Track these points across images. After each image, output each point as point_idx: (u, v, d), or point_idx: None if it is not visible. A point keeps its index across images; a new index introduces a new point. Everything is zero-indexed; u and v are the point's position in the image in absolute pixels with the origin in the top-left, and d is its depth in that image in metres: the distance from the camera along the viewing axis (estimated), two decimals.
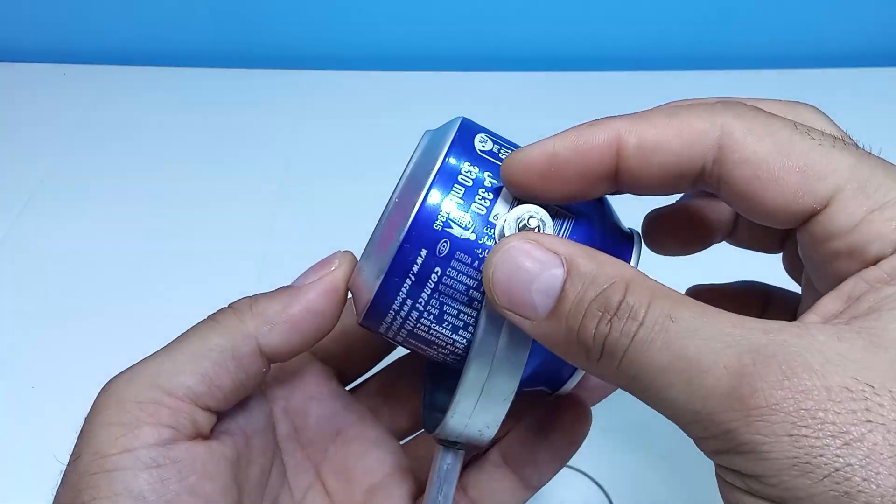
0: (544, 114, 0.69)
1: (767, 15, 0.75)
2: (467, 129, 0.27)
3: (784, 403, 0.18)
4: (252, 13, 0.75)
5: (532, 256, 0.22)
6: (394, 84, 0.73)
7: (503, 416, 0.26)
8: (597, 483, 0.41)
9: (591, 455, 0.43)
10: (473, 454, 0.32)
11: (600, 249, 0.26)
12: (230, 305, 0.27)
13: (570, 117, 0.73)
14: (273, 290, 0.28)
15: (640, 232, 0.29)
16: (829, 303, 0.21)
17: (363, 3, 0.74)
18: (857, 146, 0.23)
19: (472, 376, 0.25)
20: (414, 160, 0.26)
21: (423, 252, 0.25)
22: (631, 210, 0.30)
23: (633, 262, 0.27)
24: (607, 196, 0.28)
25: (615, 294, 0.21)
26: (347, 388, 0.33)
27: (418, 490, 0.32)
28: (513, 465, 0.31)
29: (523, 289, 0.22)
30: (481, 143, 0.26)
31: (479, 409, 0.26)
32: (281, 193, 0.61)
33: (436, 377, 0.31)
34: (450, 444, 0.28)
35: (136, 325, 0.50)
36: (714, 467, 0.20)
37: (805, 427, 0.18)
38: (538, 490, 0.32)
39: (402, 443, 0.33)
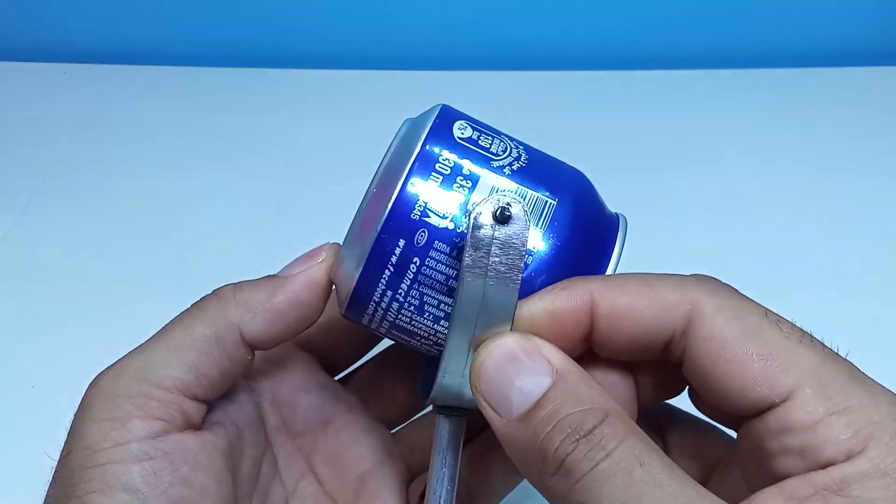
0: (544, 114, 0.70)
1: (767, 15, 0.75)
2: (446, 117, 0.26)
3: None
4: (252, 13, 0.75)
5: (526, 357, 0.23)
6: (394, 84, 0.73)
7: None
8: None
9: None
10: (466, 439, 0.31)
11: (583, 234, 0.26)
12: (214, 292, 0.27)
13: (570, 117, 0.73)
14: (258, 278, 0.28)
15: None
16: (769, 499, 0.21)
17: (363, 3, 0.74)
18: (824, 345, 0.23)
19: (459, 331, 0.25)
20: (392, 149, 0.26)
21: (401, 242, 0.25)
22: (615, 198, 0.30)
23: (616, 248, 0.27)
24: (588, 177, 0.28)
25: (592, 418, 0.21)
26: (335, 378, 0.33)
27: (410, 475, 0.32)
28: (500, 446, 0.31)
29: (506, 383, 0.23)
30: (460, 131, 0.26)
31: (468, 366, 0.25)
32: (281, 193, 0.61)
33: (429, 358, 0.30)
34: (449, 411, 0.28)
35: (137, 325, 0.50)
36: None
37: None
38: None
39: (392, 431, 0.33)
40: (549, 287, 0.24)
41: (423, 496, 0.29)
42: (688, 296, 0.23)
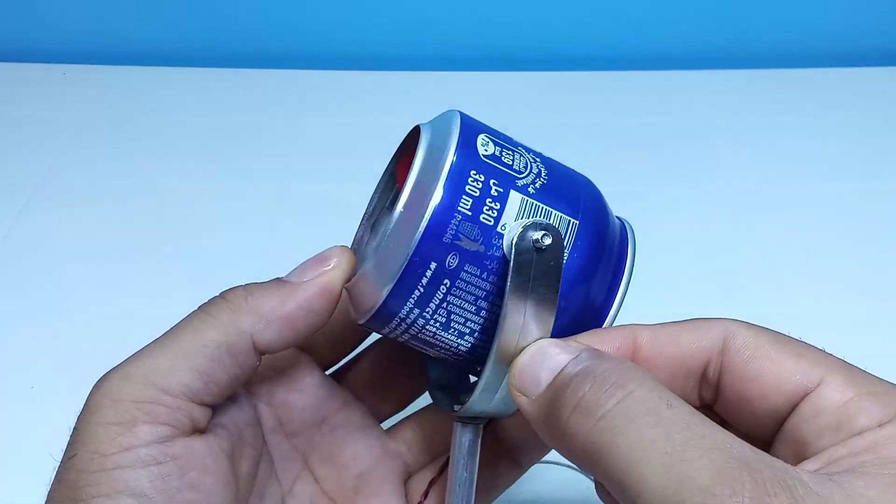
0: (544, 114, 0.70)
1: (767, 15, 0.75)
2: (469, 131, 0.26)
3: None
4: (252, 13, 0.75)
5: (557, 347, 0.24)
6: (394, 84, 0.73)
7: None
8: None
9: None
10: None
11: (601, 249, 0.27)
12: (223, 296, 0.27)
13: (570, 117, 0.73)
14: (268, 281, 0.27)
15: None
16: (808, 465, 0.22)
17: (363, 3, 0.74)
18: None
19: (500, 352, 0.25)
20: (417, 165, 0.26)
21: (433, 265, 0.25)
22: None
23: (629, 253, 0.28)
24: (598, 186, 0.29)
25: (613, 374, 0.22)
26: (328, 372, 0.33)
27: (406, 472, 0.32)
28: (503, 444, 0.31)
29: (536, 368, 0.24)
30: (484, 147, 0.26)
31: (504, 387, 0.26)
32: (281, 193, 0.61)
33: (437, 364, 0.31)
34: (470, 420, 0.28)
35: (137, 325, 0.50)
36: None
37: None
38: (526, 470, 0.32)
39: (386, 426, 0.33)
40: (595, 330, 0.27)
41: (426, 494, 0.30)
42: (721, 323, 0.26)
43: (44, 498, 0.25)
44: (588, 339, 0.26)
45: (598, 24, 0.76)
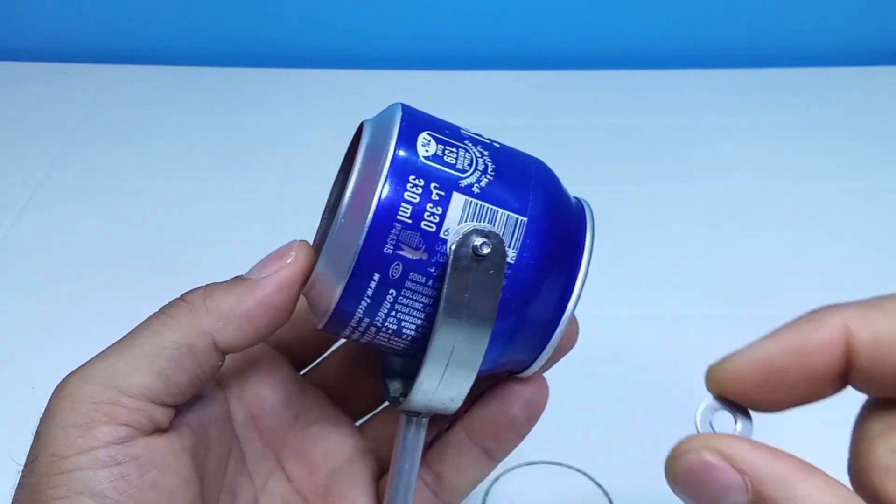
0: (544, 113, 0.70)
1: (768, 15, 0.75)
2: (410, 130, 0.25)
3: None
4: (252, 13, 0.75)
5: (714, 475, 0.20)
6: (394, 84, 0.73)
7: (467, 391, 0.26)
8: (597, 483, 0.41)
9: (591, 455, 0.43)
10: (436, 432, 0.32)
11: (554, 243, 0.26)
12: (182, 298, 0.27)
13: (570, 117, 0.74)
14: (227, 280, 0.27)
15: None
16: None
17: (363, 3, 0.74)
18: None
19: (435, 359, 0.25)
20: (357, 169, 0.25)
21: (376, 276, 0.24)
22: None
23: (587, 235, 0.27)
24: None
25: None
26: (301, 373, 0.33)
27: (380, 470, 0.32)
28: (475, 439, 0.31)
29: (703, 492, 0.21)
30: (425, 148, 0.25)
31: (443, 385, 0.26)
32: (280, 194, 0.61)
33: (392, 360, 0.31)
34: (414, 415, 0.28)
35: (136, 325, 0.50)
36: None
37: None
38: (499, 462, 0.32)
39: (359, 423, 0.33)
40: (794, 320, 0.22)
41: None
42: None
43: None
44: (787, 359, 0.21)
45: (598, 24, 0.76)
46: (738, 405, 0.22)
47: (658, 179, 0.62)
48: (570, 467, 0.42)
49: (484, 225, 0.24)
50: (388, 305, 0.25)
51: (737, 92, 0.72)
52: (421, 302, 0.25)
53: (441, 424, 0.32)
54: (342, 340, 0.34)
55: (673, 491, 0.21)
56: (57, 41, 0.76)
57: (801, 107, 0.70)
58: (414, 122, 0.26)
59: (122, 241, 0.56)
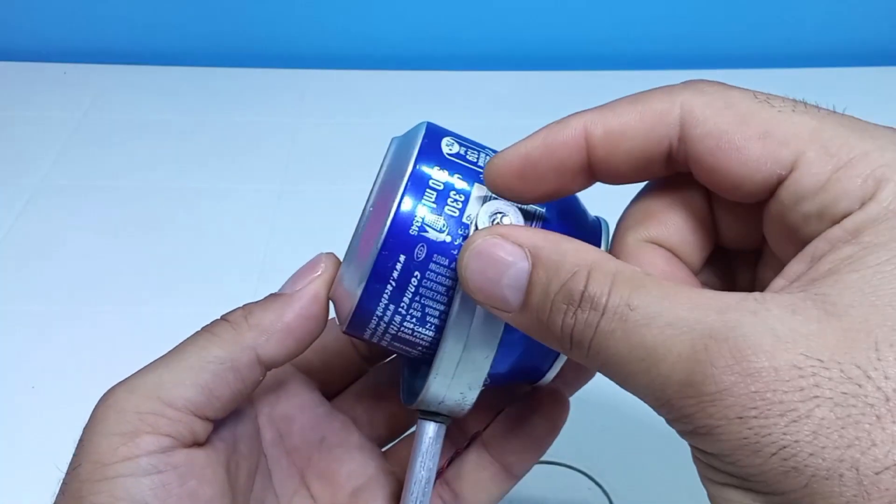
0: (544, 114, 0.69)
1: (768, 15, 0.75)
2: (434, 134, 0.27)
3: (734, 388, 0.18)
4: (252, 13, 0.75)
5: (499, 251, 0.23)
6: (394, 84, 0.73)
7: (484, 375, 0.27)
8: (597, 483, 0.41)
9: (591, 455, 0.43)
10: (455, 451, 0.32)
11: (576, 231, 0.27)
12: (223, 318, 0.28)
13: None
14: (263, 298, 0.28)
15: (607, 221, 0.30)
16: (794, 265, 0.21)
17: (363, 3, 0.74)
18: (819, 108, 0.23)
19: (453, 336, 0.26)
20: (384, 168, 0.27)
21: (402, 258, 0.25)
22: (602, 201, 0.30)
23: (602, 243, 0.28)
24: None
25: (577, 284, 0.21)
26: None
27: (401, 491, 0.32)
28: (495, 454, 0.31)
29: (494, 284, 0.23)
30: (448, 147, 0.27)
31: (460, 368, 0.26)
32: (281, 193, 0.61)
33: (413, 363, 0.31)
34: (431, 416, 0.28)
35: (137, 325, 0.50)
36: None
37: (753, 409, 0.18)
38: (520, 479, 0.32)
39: (384, 450, 0.34)
40: (549, 124, 0.25)
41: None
42: (675, 101, 0.23)
43: (43, 500, 0.25)
44: (541, 153, 0.24)
45: (598, 24, 0.76)
46: (512, 204, 0.26)
47: None
48: (570, 467, 0.42)
49: (504, 207, 0.26)
50: (413, 289, 0.26)
51: None
52: (444, 286, 0.26)
53: (460, 443, 0.32)
54: (367, 375, 0.34)
55: (463, 286, 0.24)
56: (57, 41, 0.76)
57: None
58: (438, 131, 0.28)
59: (121, 240, 0.56)
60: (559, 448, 0.43)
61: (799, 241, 0.22)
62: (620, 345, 0.20)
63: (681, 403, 0.19)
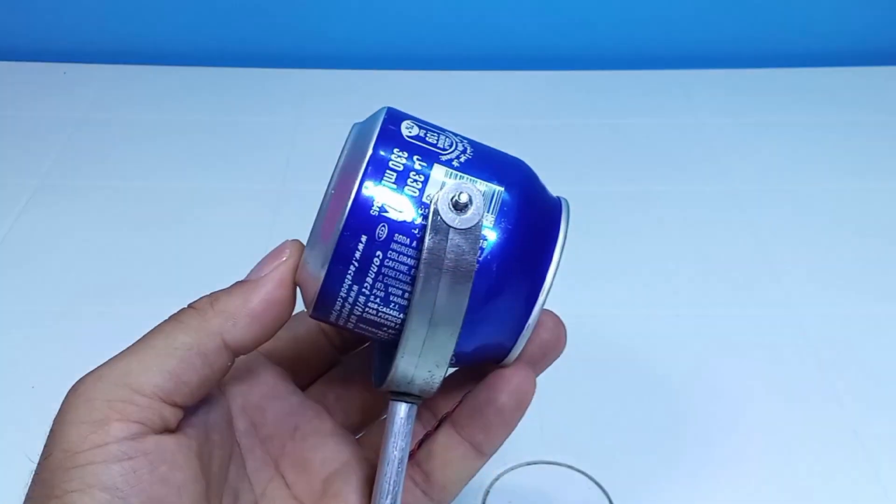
0: (544, 114, 0.70)
1: (768, 15, 0.75)
2: (393, 117, 0.28)
3: None
4: (252, 13, 0.75)
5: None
6: (393, 84, 0.73)
7: (451, 353, 0.27)
8: (597, 483, 0.41)
9: (591, 455, 0.43)
10: (425, 433, 0.32)
11: (530, 218, 0.28)
12: (190, 305, 0.28)
13: (569, 117, 0.74)
14: (230, 286, 0.29)
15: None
16: None
17: (363, 3, 0.74)
18: None
19: (418, 316, 0.26)
20: (345, 152, 0.28)
21: (363, 238, 0.26)
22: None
23: (561, 229, 0.28)
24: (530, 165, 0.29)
25: None
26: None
27: (374, 475, 0.32)
28: (464, 434, 0.31)
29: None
30: (408, 130, 0.28)
31: (427, 347, 0.27)
32: (281, 193, 0.61)
33: (382, 346, 0.31)
34: (401, 396, 0.29)
35: (136, 325, 0.50)
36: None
37: None
38: (489, 457, 0.32)
39: (357, 437, 0.34)
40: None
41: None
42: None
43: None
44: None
45: (597, 24, 0.76)
46: (472, 182, 0.27)
47: (657, 180, 0.62)
48: (570, 467, 0.42)
49: (464, 185, 0.26)
50: (375, 269, 0.26)
51: (737, 92, 0.72)
52: (406, 265, 0.26)
53: (429, 425, 0.32)
54: (339, 364, 0.35)
55: None
56: (57, 41, 0.76)
57: (801, 107, 0.70)
58: (398, 115, 0.29)
59: (121, 240, 0.56)
60: (559, 448, 0.43)
61: None
62: None
63: None
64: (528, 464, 0.42)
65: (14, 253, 0.55)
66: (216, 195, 0.60)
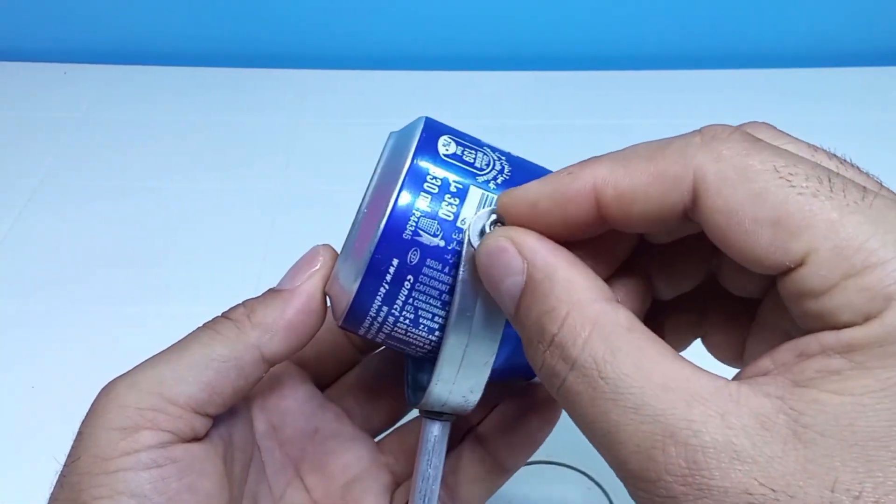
0: (544, 114, 0.70)
1: (767, 15, 0.75)
2: (431, 132, 0.27)
3: (683, 498, 0.19)
4: (252, 13, 0.75)
5: (502, 257, 0.23)
6: (394, 84, 0.73)
7: (485, 380, 0.27)
8: (597, 483, 0.41)
9: (591, 455, 0.43)
10: (449, 447, 0.32)
11: None
12: (225, 315, 0.28)
13: (569, 117, 0.73)
14: (263, 294, 0.28)
15: None
16: (783, 352, 0.20)
17: (363, 3, 0.74)
18: (847, 190, 0.20)
19: (453, 342, 0.26)
20: (380, 167, 0.27)
21: (395, 262, 0.25)
22: None
23: None
24: None
25: (551, 324, 0.21)
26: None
27: (394, 483, 0.32)
28: (489, 449, 0.31)
29: (496, 285, 0.24)
30: (445, 147, 0.27)
31: (461, 374, 0.26)
32: (281, 193, 0.61)
33: (416, 361, 0.31)
34: (436, 415, 0.29)
35: (136, 325, 0.50)
36: None
37: None
38: (512, 474, 0.32)
39: (377, 440, 0.34)
40: (558, 172, 0.24)
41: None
42: (689, 165, 0.21)
43: (45, 499, 0.25)
44: (548, 205, 0.23)
45: (597, 24, 0.76)
46: None
47: None
48: (570, 467, 0.42)
49: (497, 213, 0.26)
50: (406, 293, 0.26)
51: (737, 92, 0.72)
52: (437, 289, 0.26)
53: (454, 438, 0.32)
54: (359, 365, 0.34)
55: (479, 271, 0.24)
56: (57, 41, 0.76)
57: (801, 107, 0.70)
58: (436, 127, 0.27)
59: (121, 241, 0.56)
60: (559, 448, 0.43)
61: (793, 322, 0.21)
62: (586, 408, 0.21)
63: (633, 488, 0.20)
64: (528, 464, 0.42)
65: (14, 253, 0.55)
66: (216, 195, 0.60)
